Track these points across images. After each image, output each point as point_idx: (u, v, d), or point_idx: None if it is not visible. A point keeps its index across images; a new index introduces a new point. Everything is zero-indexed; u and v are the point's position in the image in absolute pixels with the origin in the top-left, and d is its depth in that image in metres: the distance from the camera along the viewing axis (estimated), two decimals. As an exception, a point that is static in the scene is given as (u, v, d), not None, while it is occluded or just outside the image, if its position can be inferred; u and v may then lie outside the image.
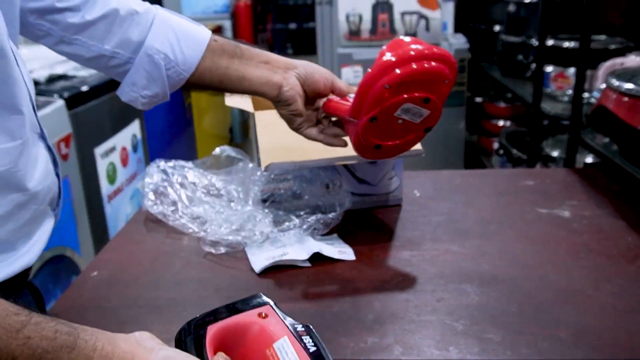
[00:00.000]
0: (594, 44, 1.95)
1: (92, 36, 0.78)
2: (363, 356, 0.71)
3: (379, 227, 1.05)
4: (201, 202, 1.07)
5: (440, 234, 1.01)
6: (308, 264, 0.91)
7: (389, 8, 2.89)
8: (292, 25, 6.58)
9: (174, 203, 1.07)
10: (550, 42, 2.30)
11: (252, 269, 0.91)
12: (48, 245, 0.75)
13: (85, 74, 2.00)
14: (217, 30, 3.85)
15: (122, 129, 2.12)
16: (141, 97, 0.84)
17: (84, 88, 1.89)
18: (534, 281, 0.86)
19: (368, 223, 1.06)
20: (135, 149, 2.23)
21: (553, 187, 1.19)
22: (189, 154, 3.06)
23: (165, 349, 0.57)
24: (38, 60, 2.00)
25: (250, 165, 1.12)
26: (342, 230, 1.00)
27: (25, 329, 0.50)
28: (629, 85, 1.32)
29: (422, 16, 2.87)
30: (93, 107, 1.91)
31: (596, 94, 1.64)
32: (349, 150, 0.88)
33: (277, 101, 0.86)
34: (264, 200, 1.05)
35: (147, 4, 0.83)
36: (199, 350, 0.57)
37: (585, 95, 1.86)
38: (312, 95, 0.87)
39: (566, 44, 2.30)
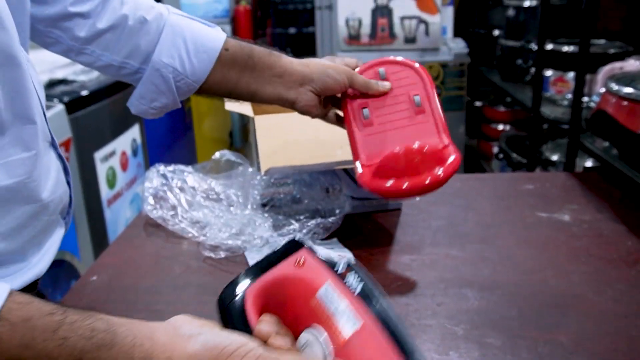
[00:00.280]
0: (593, 48, 1.96)
1: (101, 46, 0.78)
2: (363, 361, 0.71)
3: (378, 232, 1.04)
4: (201, 206, 1.07)
5: (440, 238, 1.00)
6: (308, 268, 0.91)
7: (388, 13, 2.89)
8: (292, 30, 6.58)
9: (174, 207, 1.07)
10: (549, 47, 2.30)
11: (251, 274, 0.91)
12: (47, 249, 0.74)
13: (85, 79, 2.00)
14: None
15: (122, 134, 2.12)
16: (150, 108, 0.83)
17: (84, 92, 1.89)
18: (534, 285, 0.85)
19: (368, 227, 1.06)
20: (135, 153, 2.23)
21: (553, 191, 1.19)
22: (189, 158, 3.05)
23: (205, 332, 0.53)
24: (38, 65, 1.98)
25: (250, 169, 1.12)
26: (342, 234, 1.00)
27: (60, 330, 0.49)
28: (629, 90, 1.32)
29: (421, 21, 2.87)
30: (93, 112, 1.91)
31: (595, 98, 1.64)
32: (349, 155, 0.88)
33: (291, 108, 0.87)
34: (264, 205, 1.05)
35: (158, 7, 0.81)
36: (244, 319, 0.54)
37: (585, 99, 1.86)
38: (328, 98, 0.88)
39: (565, 49, 2.30)
